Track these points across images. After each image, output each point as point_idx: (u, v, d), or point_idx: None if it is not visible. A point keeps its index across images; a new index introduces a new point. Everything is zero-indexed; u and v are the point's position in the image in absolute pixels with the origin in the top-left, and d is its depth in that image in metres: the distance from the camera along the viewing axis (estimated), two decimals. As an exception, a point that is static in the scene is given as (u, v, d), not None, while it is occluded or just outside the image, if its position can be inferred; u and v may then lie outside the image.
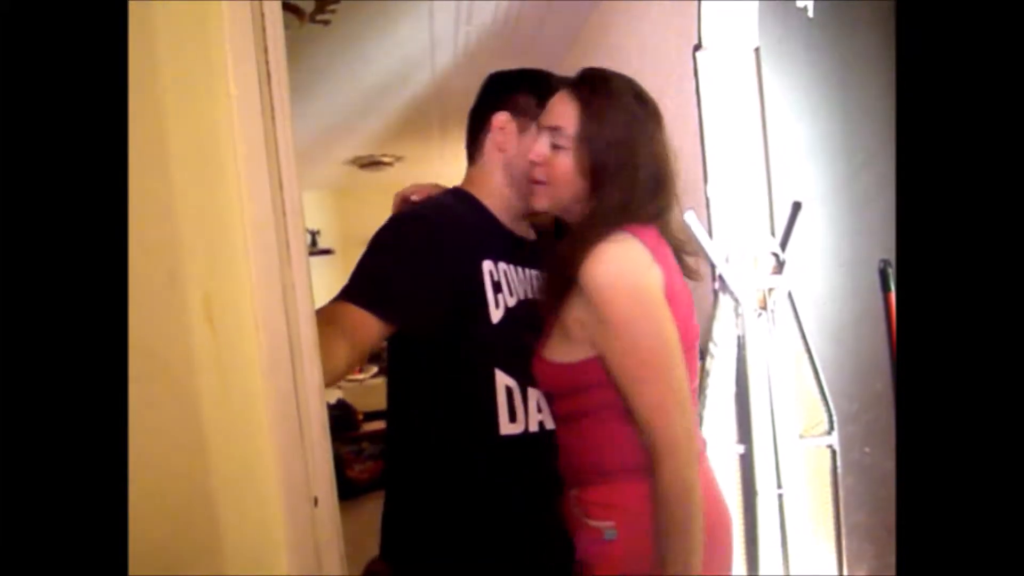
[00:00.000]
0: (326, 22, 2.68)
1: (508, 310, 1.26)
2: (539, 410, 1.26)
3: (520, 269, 1.32)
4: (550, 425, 1.27)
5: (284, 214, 0.80)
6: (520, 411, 1.25)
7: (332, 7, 2.60)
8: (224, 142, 0.74)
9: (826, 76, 1.99)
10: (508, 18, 3.08)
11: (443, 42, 3.32)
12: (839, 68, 2.00)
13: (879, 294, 1.87)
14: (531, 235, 1.41)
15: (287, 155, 0.81)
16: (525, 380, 1.25)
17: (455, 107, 1.39)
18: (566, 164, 1.18)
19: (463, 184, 1.40)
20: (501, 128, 1.34)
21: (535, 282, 1.35)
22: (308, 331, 0.83)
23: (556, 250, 1.19)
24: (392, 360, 1.34)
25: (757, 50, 1.92)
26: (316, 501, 0.82)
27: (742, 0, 1.91)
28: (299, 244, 0.82)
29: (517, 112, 1.34)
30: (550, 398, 1.26)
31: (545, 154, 1.20)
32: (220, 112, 0.74)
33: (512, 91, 1.37)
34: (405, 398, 1.33)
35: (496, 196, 1.35)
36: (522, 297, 1.29)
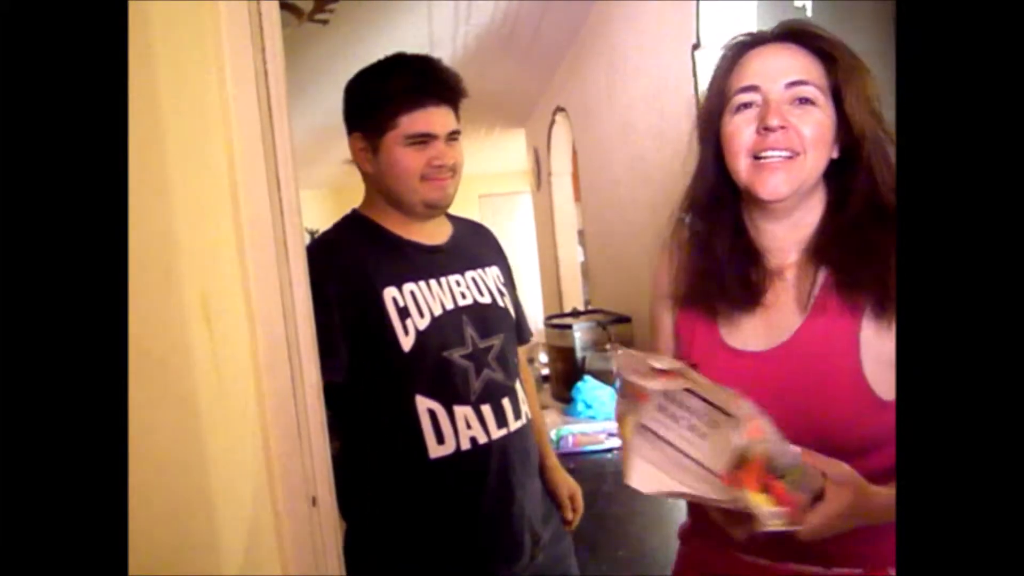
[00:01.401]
0: (324, 21, 2.68)
1: (420, 333, 1.22)
2: (468, 426, 1.24)
3: (434, 282, 1.28)
4: (483, 439, 1.25)
5: (282, 213, 0.80)
6: (448, 432, 1.23)
7: (331, 6, 2.60)
8: (221, 141, 0.74)
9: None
10: (507, 18, 3.08)
11: (442, 41, 3.32)
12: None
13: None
14: (443, 236, 1.36)
15: (285, 154, 0.80)
16: (450, 400, 1.23)
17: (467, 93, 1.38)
18: (824, 122, 0.86)
19: (361, 206, 1.36)
20: (356, 150, 1.31)
21: (460, 285, 1.31)
22: (306, 330, 0.83)
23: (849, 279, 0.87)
24: (327, 395, 1.33)
25: (756, 49, 1.92)
26: (314, 501, 0.82)
27: (741, -1, 1.91)
28: (297, 243, 0.82)
29: (365, 128, 1.29)
30: (860, 452, 0.82)
31: (782, 113, 0.85)
32: (217, 111, 0.74)
33: (350, 107, 1.32)
34: (343, 430, 1.31)
35: (386, 213, 1.31)
36: (438, 313, 1.25)
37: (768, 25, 0.94)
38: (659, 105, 2.42)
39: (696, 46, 1.97)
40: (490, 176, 7.65)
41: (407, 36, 3.20)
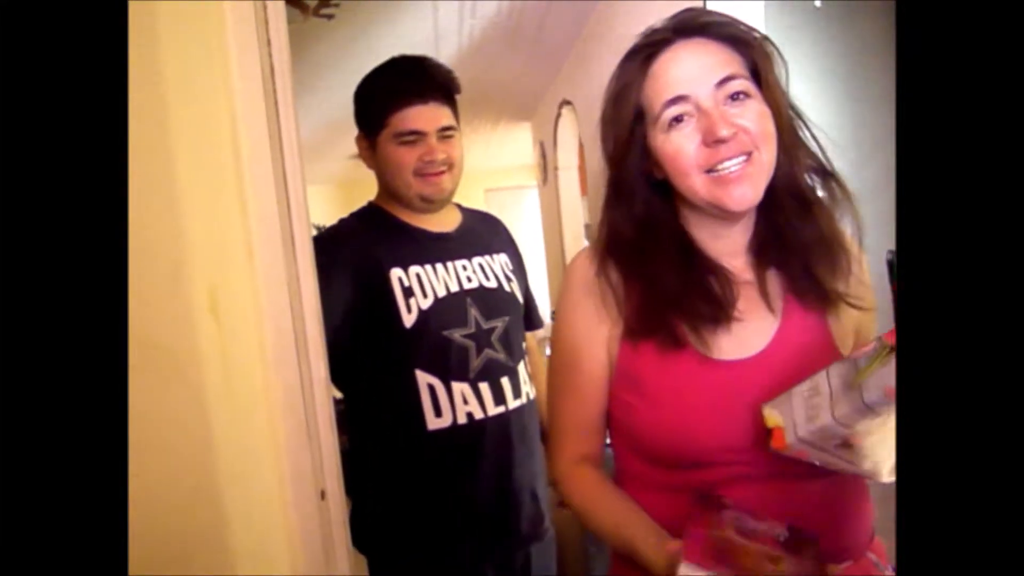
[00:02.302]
0: (330, 16, 2.68)
1: (423, 312, 1.30)
2: (465, 402, 1.31)
3: (440, 266, 1.35)
4: (479, 415, 1.32)
5: (289, 208, 0.80)
6: (446, 406, 1.30)
7: (336, 1, 2.60)
8: (228, 137, 0.74)
9: (833, 67, 1.98)
10: (512, 11, 3.07)
11: (447, 36, 3.31)
12: (846, 59, 1.99)
13: (887, 285, 1.87)
14: (452, 225, 1.43)
15: (291, 149, 0.81)
16: (448, 376, 1.30)
17: (459, 100, 1.39)
18: (764, 112, 0.81)
19: (376, 198, 1.45)
20: (360, 149, 1.40)
21: (467, 270, 1.38)
22: (314, 325, 0.83)
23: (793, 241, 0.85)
24: (337, 378, 1.38)
25: (763, 41, 1.91)
26: (323, 494, 0.82)
27: (748, -10, 1.90)
28: (304, 238, 0.82)
29: (364, 127, 1.37)
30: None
31: (728, 119, 0.78)
32: (224, 107, 0.74)
33: (355, 108, 1.40)
34: (350, 403, 1.39)
35: (395, 203, 1.38)
36: (442, 294, 1.32)
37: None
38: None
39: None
40: (496, 170, 7.64)
41: (412, 30, 3.19)
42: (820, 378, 0.69)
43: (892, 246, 1.86)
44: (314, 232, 0.94)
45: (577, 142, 4.56)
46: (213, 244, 0.70)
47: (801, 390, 0.71)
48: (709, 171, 0.80)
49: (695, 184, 0.81)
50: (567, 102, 4.34)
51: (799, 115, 0.86)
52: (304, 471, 0.80)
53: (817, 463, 0.72)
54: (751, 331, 0.84)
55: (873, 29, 2.00)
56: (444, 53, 3.53)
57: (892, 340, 0.64)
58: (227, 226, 0.73)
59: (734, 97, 0.79)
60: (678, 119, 0.80)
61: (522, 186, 7.83)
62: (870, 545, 0.88)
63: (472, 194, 7.02)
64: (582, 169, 4.56)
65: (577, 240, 5.10)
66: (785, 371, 0.81)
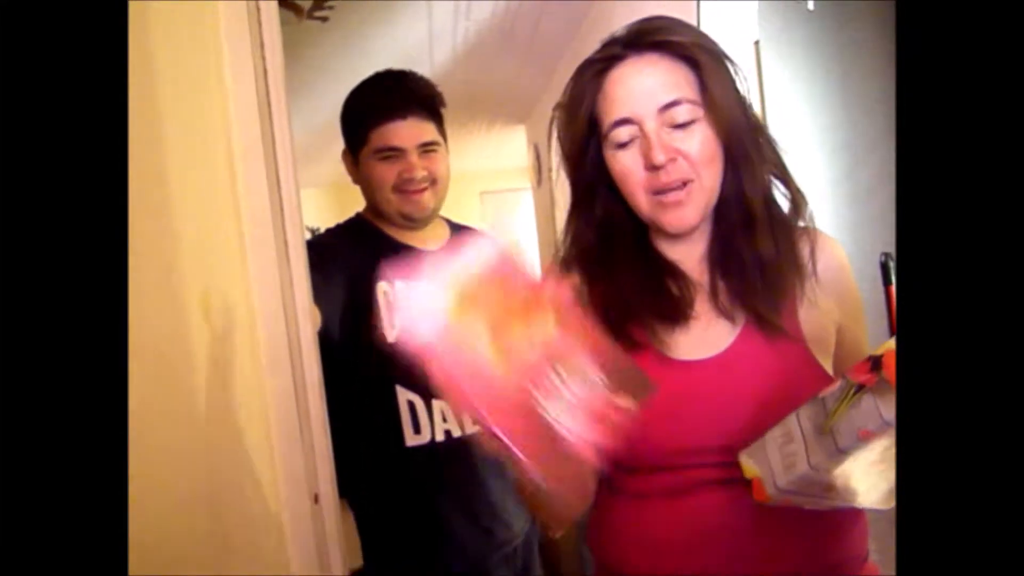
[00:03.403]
0: (324, 18, 2.67)
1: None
2: (444, 420, 1.31)
3: (423, 283, 1.34)
4: (457, 433, 1.31)
5: (282, 210, 0.80)
6: (425, 423, 1.30)
7: (330, 3, 2.59)
8: (221, 139, 0.74)
9: (827, 69, 1.99)
10: (507, 13, 3.08)
11: (442, 38, 3.31)
12: (840, 61, 1.99)
13: (880, 287, 1.87)
14: (438, 242, 1.41)
15: (285, 152, 0.80)
16: (428, 393, 1.28)
17: (454, 103, 1.38)
18: (708, 136, 0.80)
19: (364, 210, 1.44)
20: (346, 164, 1.39)
21: None
22: (307, 328, 0.83)
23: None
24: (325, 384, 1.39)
25: (757, 43, 1.92)
26: (317, 498, 0.82)
27: (741, -7, 1.91)
28: (298, 241, 0.82)
29: (348, 143, 1.37)
30: None
31: (665, 145, 0.79)
32: (217, 109, 0.74)
33: (341, 123, 1.40)
34: (333, 415, 1.39)
35: (380, 217, 1.37)
36: None
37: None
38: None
39: (697, 41, 1.97)
40: (491, 173, 7.63)
41: (407, 33, 3.19)
42: (791, 423, 0.68)
43: (885, 248, 1.87)
44: (307, 235, 0.93)
45: (572, 144, 4.56)
46: (206, 247, 0.70)
47: (774, 436, 0.69)
48: (654, 192, 0.81)
49: (640, 203, 0.83)
50: (562, 105, 4.34)
51: (756, 128, 0.85)
52: (297, 474, 0.79)
53: (807, 507, 0.71)
54: (712, 333, 0.84)
55: (867, 31, 2.01)
56: (438, 56, 3.53)
57: (859, 378, 0.62)
58: (220, 229, 0.73)
59: (679, 124, 0.80)
60: (625, 143, 0.81)
61: (517, 189, 7.82)
62: (863, 567, 0.83)
63: (467, 196, 7.01)
64: (577, 171, 4.55)
65: (572, 242, 5.09)
66: (747, 373, 0.81)
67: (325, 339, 1.21)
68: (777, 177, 0.87)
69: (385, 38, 3.21)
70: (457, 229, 1.48)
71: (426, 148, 1.32)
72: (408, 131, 1.30)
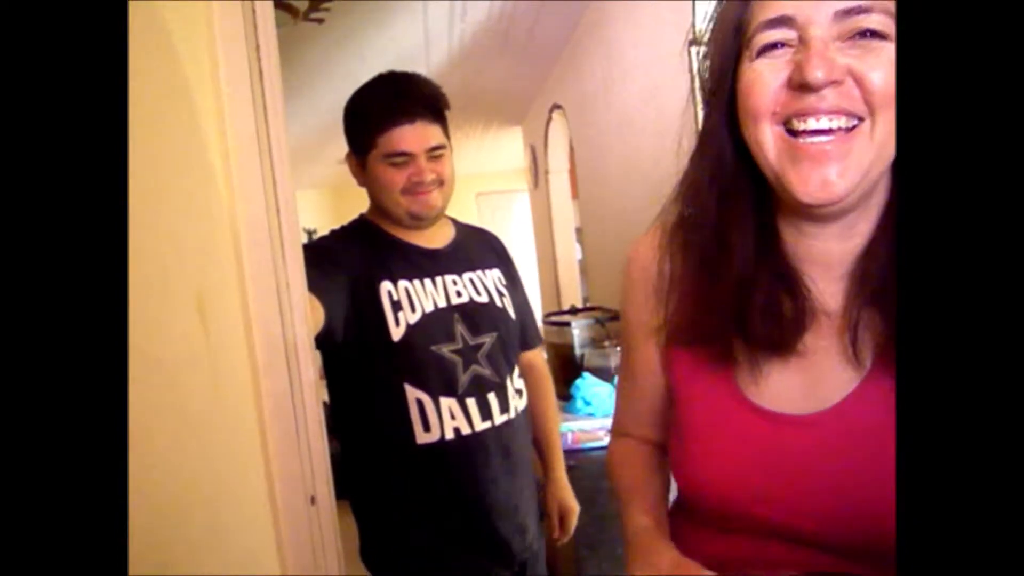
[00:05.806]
0: (320, 20, 2.67)
1: (410, 327, 1.30)
2: (452, 417, 1.32)
3: (428, 281, 1.35)
4: (466, 431, 1.32)
5: (278, 212, 0.79)
6: (434, 420, 1.31)
7: (326, 5, 2.59)
8: (216, 141, 0.74)
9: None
10: (503, 15, 3.08)
11: (438, 40, 3.31)
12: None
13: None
14: (443, 241, 1.43)
15: (280, 154, 0.80)
16: (437, 391, 1.30)
17: (450, 105, 1.39)
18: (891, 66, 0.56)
19: (367, 211, 1.45)
20: (351, 167, 1.40)
21: (456, 285, 1.38)
22: (303, 331, 0.83)
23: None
24: (328, 382, 1.39)
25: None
26: (313, 500, 0.82)
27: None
28: (293, 243, 0.82)
29: (354, 147, 1.37)
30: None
31: (830, 59, 0.55)
32: (212, 111, 0.73)
33: (345, 127, 1.40)
34: (340, 409, 1.40)
35: (386, 218, 1.38)
36: (429, 309, 1.33)
37: None
38: (656, 102, 2.42)
39: (693, 42, 1.97)
40: (487, 174, 7.65)
41: (402, 35, 3.19)
42: None
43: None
44: (304, 237, 0.93)
45: (568, 145, 4.57)
46: (201, 249, 0.70)
47: None
48: (791, 130, 0.57)
49: (764, 138, 0.58)
50: (557, 106, 4.35)
51: None
52: (294, 476, 0.79)
53: None
54: (825, 376, 0.62)
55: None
56: (434, 57, 3.53)
57: None
58: (215, 231, 0.73)
59: (862, 35, 0.55)
60: (773, 45, 0.57)
61: (513, 190, 7.84)
62: None
63: (463, 198, 7.02)
64: (573, 173, 4.57)
65: (568, 243, 5.10)
66: (867, 435, 0.59)
67: (333, 340, 1.22)
68: None
69: (381, 40, 3.21)
70: (461, 227, 1.50)
71: (434, 152, 1.33)
72: (417, 136, 1.30)
